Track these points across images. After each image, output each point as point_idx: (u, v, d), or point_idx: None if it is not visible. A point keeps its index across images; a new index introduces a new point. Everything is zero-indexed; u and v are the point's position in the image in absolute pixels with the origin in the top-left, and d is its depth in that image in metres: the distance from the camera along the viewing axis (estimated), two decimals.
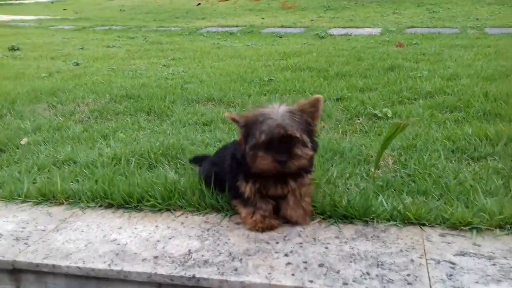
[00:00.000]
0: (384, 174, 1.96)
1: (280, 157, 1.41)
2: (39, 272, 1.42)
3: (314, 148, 1.51)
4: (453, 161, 2.08)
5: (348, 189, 1.80)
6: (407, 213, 1.50)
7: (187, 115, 3.05)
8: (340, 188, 1.80)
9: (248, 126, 1.48)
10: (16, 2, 16.91)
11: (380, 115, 2.83)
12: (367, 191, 1.69)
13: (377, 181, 1.82)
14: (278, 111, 1.46)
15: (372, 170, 1.97)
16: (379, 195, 1.68)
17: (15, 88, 3.82)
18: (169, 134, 2.67)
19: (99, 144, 2.49)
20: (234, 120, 1.53)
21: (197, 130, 2.75)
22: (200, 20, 10.55)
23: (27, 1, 17.29)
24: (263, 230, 1.53)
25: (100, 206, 1.73)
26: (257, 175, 1.48)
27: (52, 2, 16.81)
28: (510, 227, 1.47)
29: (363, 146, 2.33)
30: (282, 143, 1.41)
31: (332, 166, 2.04)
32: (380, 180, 1.83)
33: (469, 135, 2.30)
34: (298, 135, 1.42)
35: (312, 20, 9.38)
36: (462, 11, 9.48)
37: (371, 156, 2.18)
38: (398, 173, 1.96)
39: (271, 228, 1.53)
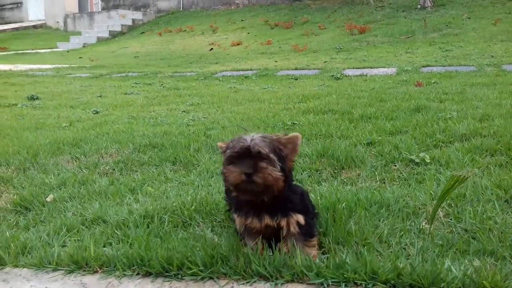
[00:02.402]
0: (438, 230, 1.81)
1: (247, 170, 1.49)
2: None
3: (287, 175, 1.58)
4: (509, 213, 1.93)
5: (404, 249, 1.65)
6: (483, 281, 1.34)
7: (214, 164, 2.95)
8: (395, 247, 1.65)
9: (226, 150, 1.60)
10: (32, 51, 17.41)
11: (417, 160, 2.70)
12: (428, 253, 1.53)
13: (435, 239, 1.67)
14: (253, 135, 1.58)
15: (425, 225, 1.83)
16: (442, 257, 1.53)
17: (37, 139, 3.78)
18: (198, 186, 2.56)
19: (127, 199, 2.39)
20: (219, 146, 1.67)
21: None
22: (214, 64, 10.70)
23: (42, 50, 17.79)
24: None
25: (138, 274, 1.59)
26: (243, 205, 1.59)
27: (67, 51, 17.27)
28: None
29: (407, 196, 2.19)
30: (249, 158, 1.51)
31: (380, 221, 1.90)
32: (438, 238, 1.68)
33: None
34: (264, 152, 1.51)
35: (325, 62, 9.43)
36: (476, 49, 9.47)
37: (419, 208, 2.04)
38: (453, 228, 1.81)
39: None
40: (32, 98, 6.40)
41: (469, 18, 12.81)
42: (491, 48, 9.46)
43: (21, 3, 28.18)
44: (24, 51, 17.62)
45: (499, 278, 1.36)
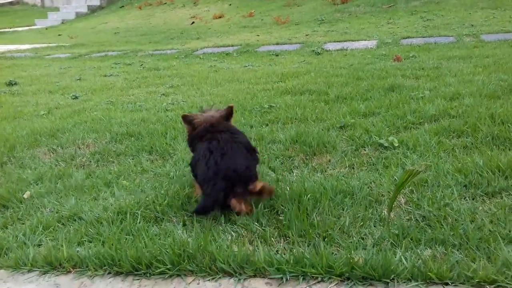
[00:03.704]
0: (397, 217, 1.90)
1: None
2: None
3: None
4: (467, 198, 2.03)
5: (363, 238, 1.75)
6: (429, 273, 1.44)
7: (189, 153, 3.00)
8: (354, 238, 1.75)
9: None
10: (10, 30, 16.96)
11: (386, 144, 2.78)
12: (383, 244, 1.63)
13: (392, 228, 1.77)
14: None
15: (386, 213, 1.92)
16: (396, 247, 1.63)
17: (15, 130, 3.78)
18: (173, 177, 2.62)
19: (102, 194, 2.44)
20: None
21: None
22: (195, 40, 10.57)
23: (20, 29, 17.34)
24: None
25: (109, 273, 1.67)
26: None
27: (46, 29, 16.86)
28: None
29: (372, 183, 2.28)
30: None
31: (343, 210, 1.99)
32: (395, 227, 1.77)
33: (480, 167, 2.26)
34: None
35: (307, 35, 9.39)
36: (456, 17, 9.50)
37: (382, 195, 2.13)
38: (412, 215, 1.91)
39: None
40: (10, 83, 6.32)
41: None
42: (471, 16, 9.49)
43: None
44: (1, 30, 17.15)
45: (445, 269, 1.46)
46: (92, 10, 19.65)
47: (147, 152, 3.11)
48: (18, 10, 23.14)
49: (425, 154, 2.60)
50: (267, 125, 3.52)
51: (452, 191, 2.07)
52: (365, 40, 8.11)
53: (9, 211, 2.36)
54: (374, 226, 1.84)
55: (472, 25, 8.42)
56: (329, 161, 2.68)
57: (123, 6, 19.02)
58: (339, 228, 1.82)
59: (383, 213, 1.95)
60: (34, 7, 23.29)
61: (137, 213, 2.12)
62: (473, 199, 2.01)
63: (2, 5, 24.54)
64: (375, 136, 2.92)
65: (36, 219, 2.16)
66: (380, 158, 2.62)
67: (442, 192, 2.07)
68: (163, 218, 2.07)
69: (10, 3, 24.67)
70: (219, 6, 15.82)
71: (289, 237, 1.80)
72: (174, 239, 1.78)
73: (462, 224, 1.76)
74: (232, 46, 8.90)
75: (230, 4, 15.68)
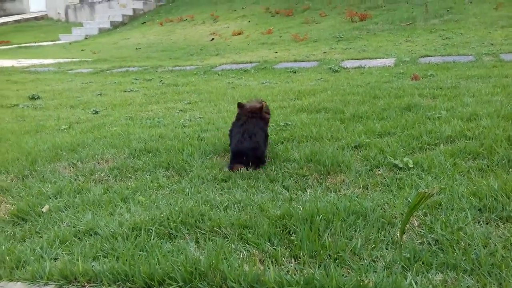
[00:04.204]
0: (410, 240, 1.90)
1: None
2: None
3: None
4: (481, 222, 2.01)
5: (374, 261, 1.75)
6: None
7: (205, 170, 3.05)
8: (365, 261, 1.75)
9: None
10: (35, 44, 17.50)
11: (401, 165, 2.77)
12: (394, 267, 1.63)
13: (403, 252, 1.76)
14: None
15: (398, 236, 1.92)
16: (407, 271, 1.63)
17: (36, 144, 3.89)
18: (188, 194, 2.66)
19: (119, 209, 2.50)
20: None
21: (215, 188, 2.74)
22: (214, 56, 10.73)
23: (45, 43, 17.88)
24: None
25: None
26: None
27: (70, 43, 17.35)
28: None
29: (386, 204, 2.28)
30: None
31: (355, 232, 1.99)
32: (407, 251, 1.77)
33: (495, 191, 2.24)
34: None
35: (324, 52, 9.44)
36: (476, 36, 9.43)
37: (395, 217, 2.13)
38: (424, 239, 1.90)
39: None
40: (33, 97, 6.51)
41: (470, 2, 12.69)
42: (491, 35, 9.40)
43: None
44: (27, 44, 17.71)
45: None
46: (115, 26, 20.16)
47: (164, 168, 3.16)
48: (43, 25, 23.88)
49: (440, 176, 2.59)
50: (282, 143, 3.55)
51: (466, 214, 2.06)
52: (383, 58, 8.12)
53: (28, 224, 2.42)
54: (386, 249, 1.84)
55: (492, 44, 8.35)
56: (343, 181, 2.69)
57: (144, 22, 19.45)
58: (351, 250, 1.83)
59: (395, 236, 1.95)
60: (59, 22, 24.01)
61: (151, 229, 2.16)
62: (487, 223, 1.99)
63: (28, 20, 25.36)
64: (390, 157, 2.92)
65: (53, 233, 2.22)
66: (394, 179, 2.61)
67: (456, 215, 2.06)
68: (177, 235, 2.11)
69: (35, 18, 25.49)
70: (238, 23, 16.04)
71: (300, 258, 1.81)
72: (186, 257, 1.81)
73: (475, 249, 1.74)
74: (250, 62, 9.01)
75: (249, 21, 15.89)
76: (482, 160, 2.76)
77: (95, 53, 13.43)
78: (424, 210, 2.15)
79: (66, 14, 23.99)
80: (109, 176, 3.11)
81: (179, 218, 2.23)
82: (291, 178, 2.78)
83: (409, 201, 2.26)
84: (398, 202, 2.27)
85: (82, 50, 14.83)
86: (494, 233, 1.89)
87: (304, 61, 8.71)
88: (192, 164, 3.19)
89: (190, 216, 2.25)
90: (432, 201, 2.21)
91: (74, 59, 12.09)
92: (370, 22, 12.50)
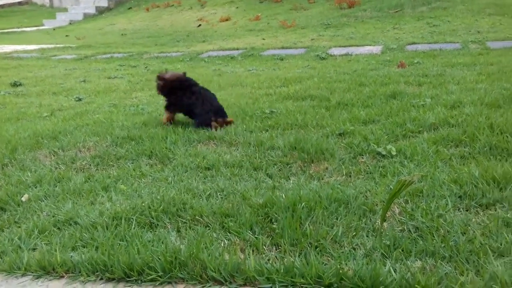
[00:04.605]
0: (390, 228, 1.91)
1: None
2: None
3: None
4: (461, 209, 2.02)
5: (354, 249, 1.75)
6: (416, 285, 1.44)
7: (189, 158, 3.02)
8: (346, 248, 1.75)
9: None
10: (18, 30, 17.12)
11: (384, 153, 2.78)
12: (374, 255, 1.63)
13: (384, 239, 1.77)
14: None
15: (379, 223, 1.92)
16: (387, 258, 1.63)
17: (17, 132, 3.82)
18: (171, 182, 2.63)
19: (100, 198, 2.46)
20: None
21: (198, 176, 2.71)
22: (201, 43, 10.62)
23: (28, 29, 17.50)
24: None
25: (101, 279, 1.68)
26: None
27: (54, 29, 17.00)
28: None
29: (368, 192, 2.28)
30: None
31: (337, 219, 1.99)
32: (387, 238, 1.78)
33: (476, 178, 2.25)
34: None
35: (312, 39, 9.40)
36: (463, 23, 9.46)
37: (377, 205, 2.13)
38: (405, 226, 1.91)
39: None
40: (15, 84, 6.38)
41: None
42: (478, 22, 9.45)
43: None
44: (9, 30, 17.32)
45: (433, 281, 1.46)
46: (100, 11, 19.79)
47: (147, 157, 3.13)
48: (27, 10, 23.36)
49: (422, 163, 2.60)
50: (267, 130, 3.52)
51: (447, 202, 2.07)
52: (370, 45, 8.11)
53: (7, 214, 2.38)
54: (367, 236, 1.84)
55: (479, 32, 8.39)
56: (327, 168, 2.69)
57: (130, 8, 19.14)
58: (332, 238, 1.83)
59: (376, 223, 1.95)
60: (43, 7, 23.50)
61: (132, 218, 2.13)
62: (467, 210, 2.01)
63: (12, 5, 24.78)
64: (374, 144, 2.92)
65: (32, 223, 2.19)
66: (377, 167, 2.62)
67: (437, 202, 2.07)
68: (158, 224, 2.09)
69: (19, 3, 24.91)
70: (226, 9, 15.87)
71: (281, 246, 1.81)
72: (166, 246, 1.79)
73: (454, 236, 1.75)
74: (237, 49, 8.93)
75: (237, 7, 15.73)
76: (464, 147, 2.78)
77: (79, 39, 13.20)
78: (405, 198, 2.16)
79: None
80: (90, 165, 3.06)
81: (161, 207, 2.21)
82: (275, 166, 2.77)
83: (390, 188, 2.27)
84: (380, 190, 2.27)
85: (66, 36, 14.56)
86: (473, 220, 1.91)
87: (291, 48, 8.66)
88: (176, 152, 3.15)
89: (172, 205, 2.23)
90: (413, 189, 2.22)
91: (58, 45, 11.87)
92: (359, 9, 12.47)
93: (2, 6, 24.58)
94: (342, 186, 2.36)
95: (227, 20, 14.09)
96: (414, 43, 7.91)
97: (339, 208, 2.08)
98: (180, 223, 2.07)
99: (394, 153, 2.76)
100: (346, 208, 2.09)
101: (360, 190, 2.28)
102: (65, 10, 20.43)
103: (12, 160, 3.17)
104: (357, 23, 11.04)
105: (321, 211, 2.03)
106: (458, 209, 2.03)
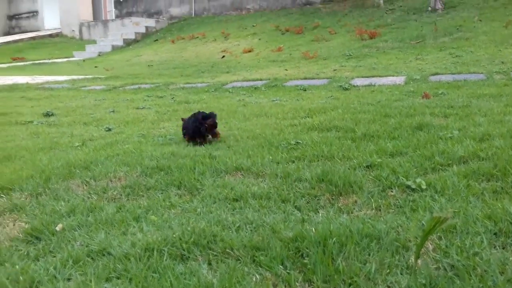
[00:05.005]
0: (425, 265, 1.88)
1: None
2: None
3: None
4: (497, 247, 1.98)
5: (389, 287, 1.73)
6: None
7: (217, 189, 3.06)
8: (380, 287, 1.73)
9: None
10: (49, 61, 17.82)
11: (414, 186, 2.76)
12: None
13: (419, 277, 1.74)
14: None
15: (413, 260, 1.90)
16: None
17: (50, 162, 3.94)
18: (200, 214, 2.66)
19: (131, 229, 2.51)
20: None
21: (227, 207, 2.74)
22: (225, 73, 10.83)
23: (59, 60, 18.21)
24: None
25: None
26: None
27: (83, 60, 17.64)
28: None
29: (399, 227, 2.26)
30: None
31: (369, 255, 1.97)
32: (422, 277, 1.75)
33: (510, 214, 2.21)
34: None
35: (334, 70, 9.49)
36: (486, 54, 9.42)
37: (410, 241, 2.11)
38: (440, 264, 1.88)
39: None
40: (47, 114, 6.61)
41: (480, 20, 12.71)
42: (501, 53, 9.39)
43: (36, 12, 28.89)
44: (41, 61, 18.05)
45: None
46: (128, 43, 20.49)
47: (176, 187, 3.18)
48: (58, 42, 24.36)
49: (453, 198, 2.57)
50: (293, 162, 3.55)
51: (482, 239, 2.03)
52: (393, 76, 8.13)
53: (41, 243, 2.44)
54: (401, 274, 1.82)
55: (502, 62, 8.33)
56: (355, 202, 2.68)
57: (157, 40, 19.75)
58: (365, 275, 1.81)
59: (410, 260, 1.93)
60: (73, 39, 24.48)
61: (164, 250, 2.16)
62: (503, 248, 1.97)
63: (43, 37, 25.90)
64: (402, 177, 2.90)
65: (66, 253, 2.24)
66: (407, 201, 2.60)
67: (471, 239, 2.04)
68: (189, 256, 2.11)
69: (50, 35, 26.03)
70: (249, 40, 16.22)
71: (313, 282, 1.80)
72: (199, 279, 1.81)
73: (492, 276, 1.72)
74: (261, 80, 9.07)
75: (259, 39, 16.07)
76: (496, 181, 2.74)
77: (108, 70, 13.64)
78: (438, 234, 2.13)
79: (80, 31, 24.47)
80: (121, 195, 3.12)
81: (191, 239, 2.23)
82: (303, 198, 2.78)
83: (423, 224, 2.24)
84: (412, 225, 2.25)
85: (95, 67, 15.07)
86: (511, 258, 1.86)
87: (314, 78, 8.75)
88: (204, 183, 3.20)
89: (202, 237, 2.25)
90: (446, 225, 2.18)
91: (88, 76, 12.28)
92: (380, 40, 12.57)
93: (34, 38, 25.71)
94: (373, 220, 2.35)
95: (250, 51, 14.38)
96: (437, 73, 7.90)
97: (371, 243, 2.07)
98: (211, 256, 2.09)
99: (424, 186, 2.73)
100: (378, 243, 2.08)
101: (391, 225, 2.26)
102: (94, 42, 21.22)
103: (46, 190, 3.27)
104: (378, 54, 11.11)
105: (353, 246, 2.02)
106: (494, 247, 1.99)
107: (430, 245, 2.05)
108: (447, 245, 2.02)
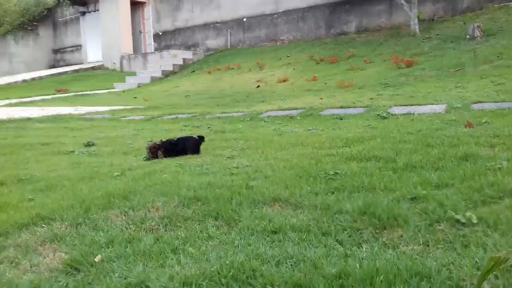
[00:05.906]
0: None
1: None
2: None
3: None
4: None
5: None
6: None
7: (255, 220, 2.99)
8: None
9: None
10: (91, 92, 18.57)
11: (463, 220, 2.60)
12: None
13: None
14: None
15: None
16: None
17: (90, 192, 4.00)
18: (238, 246, 2.60)
19: (169, 261, 2.47)
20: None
21: (265, 240, 2.67)
22: (260, 103, 10.91)
23: (100, 91, 18.94)
24: None
25: None
26: None
27: (123, 91, 18.27)
28: None
29: (451, 264, 2.12)
30: None
31: None
32: None
33: None
34: None
35: (371, 99, 9.36)
36: None
37: (464, 280, 1.96)
38: None
39: None
40: (88, 144, 6.81)
41: None
42: None
43: (80, 46, 30.47)
44: (83, 93, 18.83)
45: None
46: (166, 74, 21.14)
47: (213, 218, 3.14)
48: (99, 74, 25.43)
49: (507, 233, 2.40)
50: (332, 193, 3.45)
51: None
52: (432, 104, 7.92)
53: (81, 274, 2.44)
54: None
55: None
56: (401, 236, 2.55)
57: (194, 71, 20.28)
58: None
59: None
60: (114, 71, 25.51)
61: (202, 284, 2.11)
62: None
63: (86, 69, 27.15)
64: (451, 211, 2.75)
65: (105, 285, 2.22)
66: (458, 236, 2.45)
67: None
68: None
69: (92, 68, 27.25)
70: (283, 70, 16.37)
71: None
72: None
73: None
74: (296, 109, 9.06)
75: (294, 69, 16.18)
76: None
77: (147, 101, 14.03)
78: (495, 273, 1.98)
79: (121, 64, 25.50)
80: (159, 225, 3.11)
81: (230, 273, 2.17)
82: (345, 232, 2.67)
83: (476, 261, 2.10)
84: (464, 263, 2.10)
85: (135, 97, 15.55)
86: None
87: (350, 107, 8.65)
88: (241, 214, 3.14)
89: (241, 271, 2.19)
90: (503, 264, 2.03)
91: (127, 106, 12.67)
92: (417, 68, 12.37)
93: (77, 70, 26.98)
94: (421, 257, 2.21)
95: (285, 81, 14.48)
96: (479, 101, 7.63)
97: (421, 282, 1.94)
98: None
99: (475, 221, 2.58)
100: (428, 282, 1.95)
101: (442, 263, 2.12)
102: (133, 74, 22.02)
103: (86, 220, 3.30)
104: (416, 82, 10.91)
105: (402, 285, 1.90)
106: None
107: (486, 285, 1.90)
108: (505, 285, 1.87)
